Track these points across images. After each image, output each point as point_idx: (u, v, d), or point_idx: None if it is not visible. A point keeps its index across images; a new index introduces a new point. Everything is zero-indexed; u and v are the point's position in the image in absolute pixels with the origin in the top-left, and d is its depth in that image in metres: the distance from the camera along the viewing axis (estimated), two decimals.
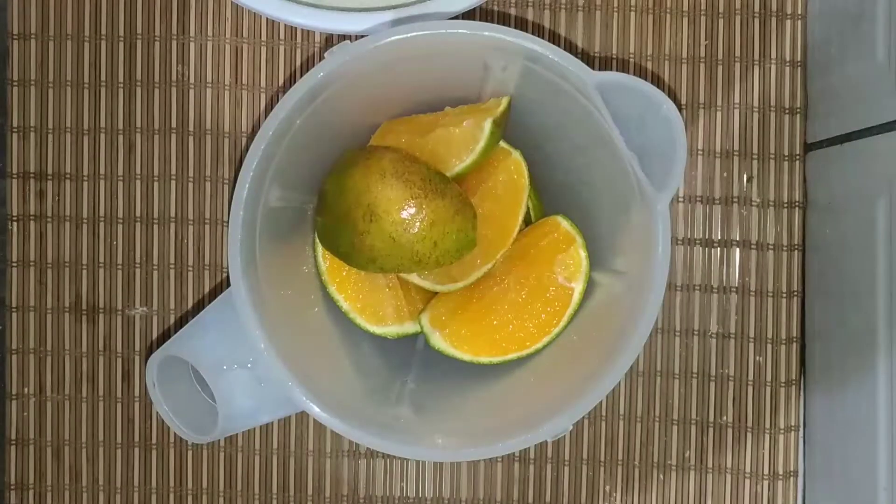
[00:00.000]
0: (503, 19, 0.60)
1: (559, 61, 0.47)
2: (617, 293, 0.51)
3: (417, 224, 0.48)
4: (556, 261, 0.53)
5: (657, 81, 0.60)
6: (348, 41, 0.47)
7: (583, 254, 0.52)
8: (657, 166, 0.46)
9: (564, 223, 0.53)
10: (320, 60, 0.58)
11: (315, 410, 0.48)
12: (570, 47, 0.60)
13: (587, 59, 0.60)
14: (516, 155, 0.54)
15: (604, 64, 0.60)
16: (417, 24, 0.48)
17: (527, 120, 0.53)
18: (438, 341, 0.53)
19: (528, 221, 0.55)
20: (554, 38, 0.60)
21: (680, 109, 0.58)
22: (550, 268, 0.53)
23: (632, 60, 0.60)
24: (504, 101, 0.51)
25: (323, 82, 0.47)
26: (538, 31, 0.60)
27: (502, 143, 0.54)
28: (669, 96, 0.56)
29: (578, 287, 0.52)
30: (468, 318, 0.53)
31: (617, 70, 0.60)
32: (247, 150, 0.58)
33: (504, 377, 0.53)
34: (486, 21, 0.60)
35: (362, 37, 0.49)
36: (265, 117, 0.57)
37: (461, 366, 0.53)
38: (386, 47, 0.47)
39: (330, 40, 0.60)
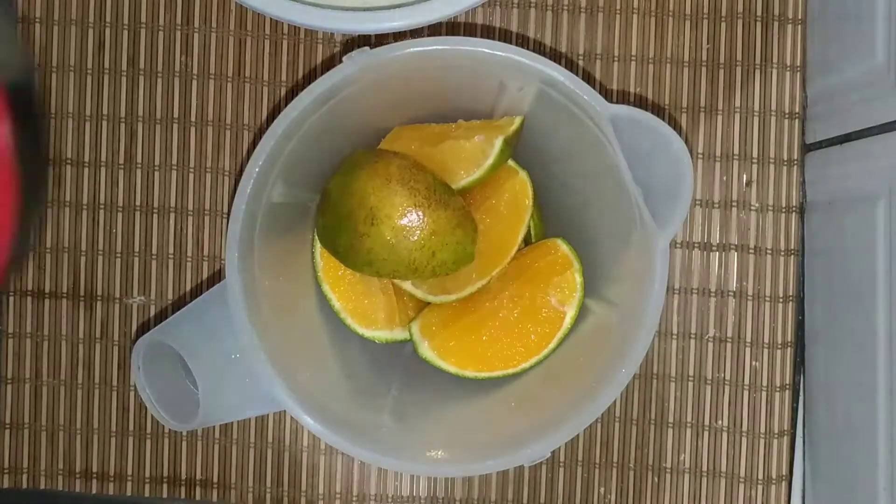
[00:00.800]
0: (506, 19, 0.60)
1: (574, 89, 0.47)
2: (608, 324, 0.51)
3: (417, 232, 0.49)
4: (552, 283, 0.53)
5: (658, 84, 0.59)
6: (367, 48, 0.47)
7: (578, 279, 0.53)
8: (661, 204, 0.46)
9: (563, 247, 0.54)
10: (324, 55, 0.58)
11: (296, 412, 0.48)
12: (571, 48, 0.60)
13: (589, 60, 0.60)
14: (523, 175, 0.54)
15: (606, 64, 0.60)
16: (439, 38, 0.48)
17: (537, 141, 0.53)
18: (426, 351, 0.53)
19: (527, 241, 0.55)
20: (555, 39, 0.60)
21: (681, 113, 0.59)
22: (545, 289, 0.53)
23: (633, 63, 0.59)
24: (517, 121, 0.52)
25: (338, 86, 0.48)
26: (540, 31, 0.60)
27: (510, 162, 0.54)
28: (671, 100, 0.56)
29: (571, 312, 0.52)
30: (458, 331, 0.53)
31: (621, 74, 0.60)
32: (249, 142, 0.58)
33: (487, 395, 0.53)
34: (488, 23, 0.60)
35: (371, 37, 0.48)
36: (267, 110, 0.57)
37: (446, 378, 0.53)
38: (405, 58, 0.47)
39: (334, 35, 0.60)
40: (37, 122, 0.31)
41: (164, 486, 0.61)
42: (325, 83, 0.47)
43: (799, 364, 0.61)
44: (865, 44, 0.52)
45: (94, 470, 0.61)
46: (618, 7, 0.59)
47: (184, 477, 0.61)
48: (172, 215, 0.61)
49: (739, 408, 0.60)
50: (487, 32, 0.60)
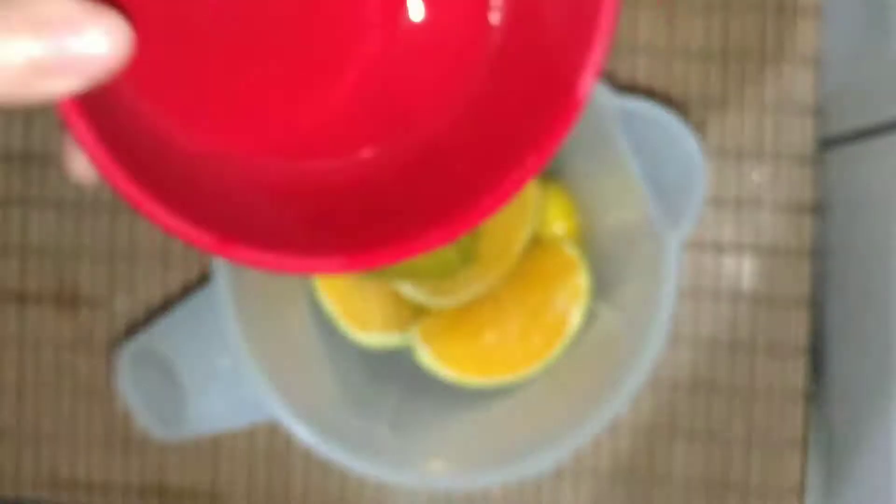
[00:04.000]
0: None
1: None
2: (616, 329, 0.51)
3: None
4: (557, 286, 0.52)
5: (668, 77, 0.59)
6: None
7: (585, 282, 0.52)
8: (672, 202, 0.46)
9: (569, 248, 0.53)
10: None
11: (288, 422, 0.47)
12: None
13: None
14: None
15: (613, 56, 0.59)
16: None
17: None
18: (425, 357, 0.52)
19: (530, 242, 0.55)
20: None
21: (691, 108, 0.58)
22: (550, 293, 0.52)
23: (642, 55, 0.59)
24: None
25: None
26: None
27: None
28: (681, 93, 0.55)
29: (577, 316, 0.52)
30: (459, 337, 0.52)
31: (629, 67, 0.59)
32: None
33: (490, 403, 0.53)
34: None
35: None
36: None
37: (445, 385, 0.52)
38: None
39: None
40: None
41: (153, 496, 0.60)
42: None
43: (814, 370, 0.60)
44: (882, 38, 0.51)
45: (81, 479, 0.61)
46: None
47: (172, 487, 0.60)
48: None
49: (752, 415, 0.59)
50: None
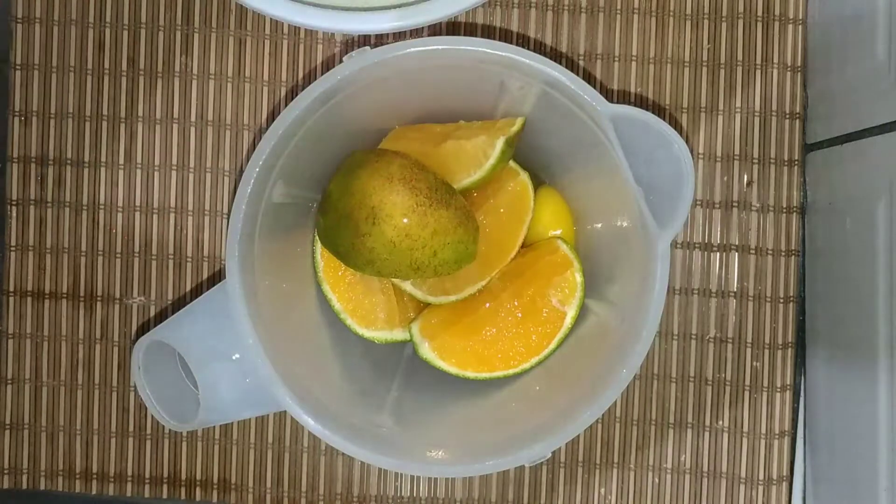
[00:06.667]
0: (506, 19, 0.59)
1: (575, 89, 0.46)
2: (609, 324, 0.51)
3: (419, 231, 0.48)
4: (552, 283, 0.52)
5: (659, 84, 0.59)
6: (368, 47, 0.47)
7: (579, 279, 0.52)
8: (662, 204, 0.46)
9: (563, 247, 0.53)
10: (325, 55, 0.58)
11: (296, 412, 0.48)
12: (572, 48, 0.59)
13: (590, 60, 0.60)
14: (524, 176, 0.54)
15: (606, 64, 0.59)
16: (439, 38, 0.48)
17: (538, 141, 0.53)
18: (426, 351, 0.52)
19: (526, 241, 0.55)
20: (556, 40, 0.59)
21: (681, 113, 0.59)
22: (545, 289, 0.52)
23: (634, 63, 0.59)
24: (518, 122, 0.51)
25: (339, 86, 0.47)
26: (541, 31, 0.59)
27: (511, 163, 0.54)
28: (672, 100, 0.56)
29: (571, 311, 0.52)
30: (458, 332, 0.53)
31: (622, 74, 0.59)
32: (249, 142, 0.58)
33: (487, 395, 0.53)
34: (488, 23, 0.60)
35: (371, 37, 0.48)
36: (267, 110, 0.56)
37: (446, 379, 0.53)
38: (405, 58, 0.47)
39: (334, 35, 0.60)
40: None
41: (164, 486, 0.61)
42: (325, 83, 0.47)
43: (800, 365, 0.61)
44: (866, 44, 0.52)
45: (94, 471, 0.61)
46: (618, 7, 0.59)
47: (184, 477, 0.61)
48: (172, 216, 0.60)
49: (740, 408, 0.59)
50: (488, 32, 0.59)
